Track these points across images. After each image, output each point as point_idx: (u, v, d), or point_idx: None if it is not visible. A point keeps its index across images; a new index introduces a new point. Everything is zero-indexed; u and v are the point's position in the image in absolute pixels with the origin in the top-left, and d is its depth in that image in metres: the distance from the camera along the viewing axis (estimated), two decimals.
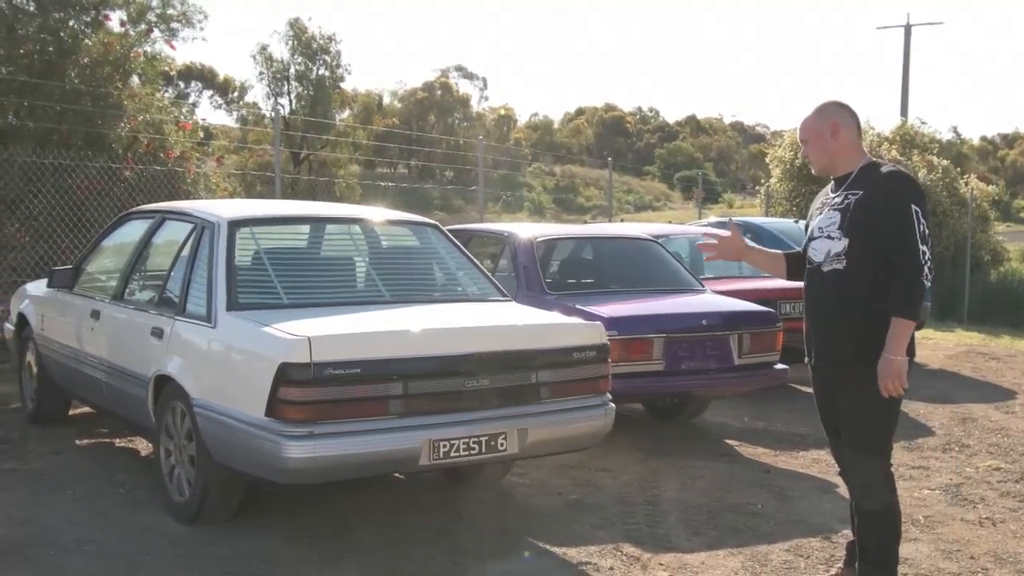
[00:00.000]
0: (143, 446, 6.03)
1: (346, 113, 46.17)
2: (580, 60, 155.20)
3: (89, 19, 9.72)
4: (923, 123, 21.21)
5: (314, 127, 32.61)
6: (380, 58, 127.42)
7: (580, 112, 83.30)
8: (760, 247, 4.27)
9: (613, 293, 6.88)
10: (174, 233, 5.38)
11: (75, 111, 9.01)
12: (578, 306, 6.23)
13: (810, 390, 4.01)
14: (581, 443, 4.84)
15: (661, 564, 4.33)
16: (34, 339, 6.43)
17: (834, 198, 3.75)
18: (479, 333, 4.51)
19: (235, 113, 50.22)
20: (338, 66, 40.86)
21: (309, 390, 3.95)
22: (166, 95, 12.43)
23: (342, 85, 41.87)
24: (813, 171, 3.88)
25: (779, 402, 7.98)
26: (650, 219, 36.35)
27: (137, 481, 5.28)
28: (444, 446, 4.20)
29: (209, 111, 54.03)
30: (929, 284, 3.58)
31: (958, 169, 19.90)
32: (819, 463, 6.14)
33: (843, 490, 5.21)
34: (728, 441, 6.79)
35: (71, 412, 6.64)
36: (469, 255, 5.66)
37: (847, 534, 4.50)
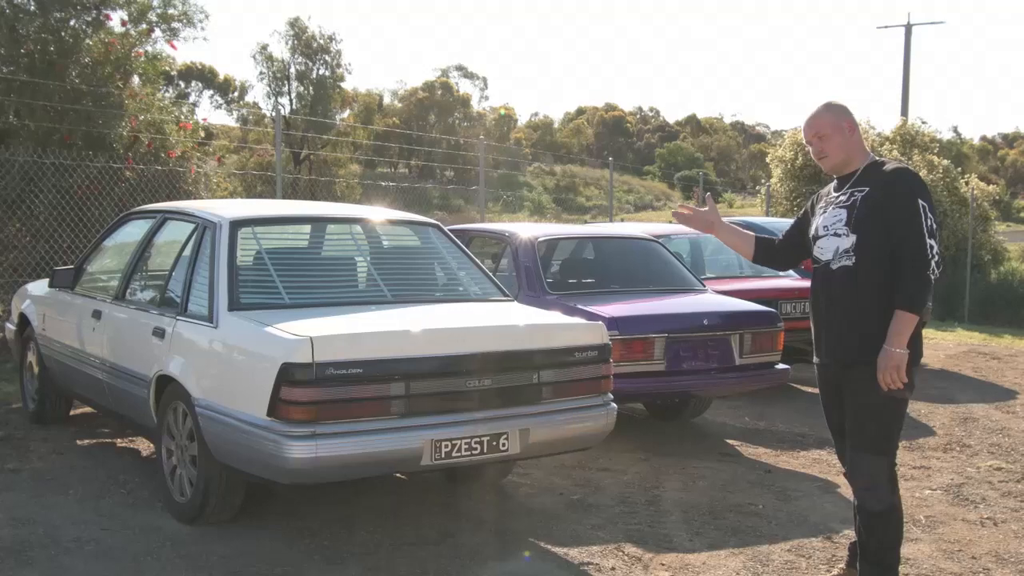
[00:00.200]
0: (145, 446, 6.03)
1: (346, 113, 46.14)
2: (580, 60, 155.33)
3: (90, 19, 9.71)
4: (924, 123, 21.32)
5: (314, 127, 32.62)
6: (380, 58, 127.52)
7: (580, 112, 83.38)
8: (734, 226, 4.22)
9: (614, 293, 6.87)
10: (175, 233, 5.38)
11: (76, 111, 8.99)
12: (579, 306, 6.22)
13: (812, 390, 4.01)
14: (583, 443, 4.84)
15: (662, 564, 4.32)
16: (35, 339, 6.42)
17: (839, 196, 3.75)
18: (481, 333, 4.51)
19: (235, 113, 50.30)
20: (338, 66, 40.87)
21: (311, 390, 3.95)
22: (167, 95, 12.42)
23: (342, 85, 41.86)
24: (824, 168, 3.85)
25: (780, 402, 7.98)
26: (650, 219, 36.32)
27: (139, 481, 5.28)
28: (446, 446, 4.20)
29: (209, 111, 54.08)
30: (936, 278, 3.58)
31: (958, 169, 19.92)
32: (820, 463, 6.14)
33: (844, 490, 5.23)
34: (729, 441, 6.79)
35: (73, 412, 6.64)
36: (470, 255, 5.65)
37: (848, 534, 4.50)
